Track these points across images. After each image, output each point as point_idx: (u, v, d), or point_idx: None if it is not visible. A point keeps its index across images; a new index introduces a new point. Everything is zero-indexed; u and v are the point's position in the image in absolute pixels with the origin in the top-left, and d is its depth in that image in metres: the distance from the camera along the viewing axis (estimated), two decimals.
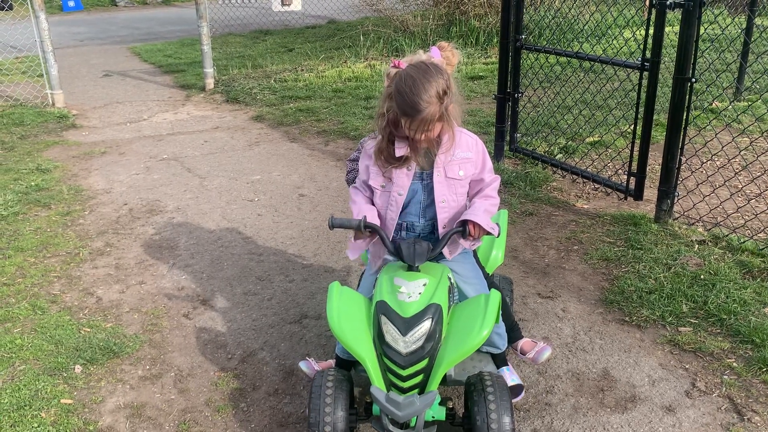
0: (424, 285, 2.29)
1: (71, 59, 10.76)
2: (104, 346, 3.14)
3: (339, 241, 4.18)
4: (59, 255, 4.10)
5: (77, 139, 6.55)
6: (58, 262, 4.00)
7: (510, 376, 2.72)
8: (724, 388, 2.79)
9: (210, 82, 8.48)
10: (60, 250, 4.16)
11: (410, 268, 2.35)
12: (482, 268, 2.75)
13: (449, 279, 2.43)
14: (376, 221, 2.44)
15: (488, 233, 2.36)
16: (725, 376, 2.85)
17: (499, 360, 2.74)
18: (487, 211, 2.41)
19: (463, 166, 2.44)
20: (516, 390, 2.70)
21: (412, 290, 2.27)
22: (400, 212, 2.47)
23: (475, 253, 2.79)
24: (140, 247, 4.21)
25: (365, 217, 2.38)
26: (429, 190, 2.45)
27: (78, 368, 3.00)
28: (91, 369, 3.01)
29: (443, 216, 2.47)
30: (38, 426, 2.64)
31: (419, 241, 2.35)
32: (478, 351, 2.65)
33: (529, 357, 2.86)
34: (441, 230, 2.47)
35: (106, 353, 3.10)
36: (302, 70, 9.11)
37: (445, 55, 2.60)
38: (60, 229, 4.45)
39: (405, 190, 2.43)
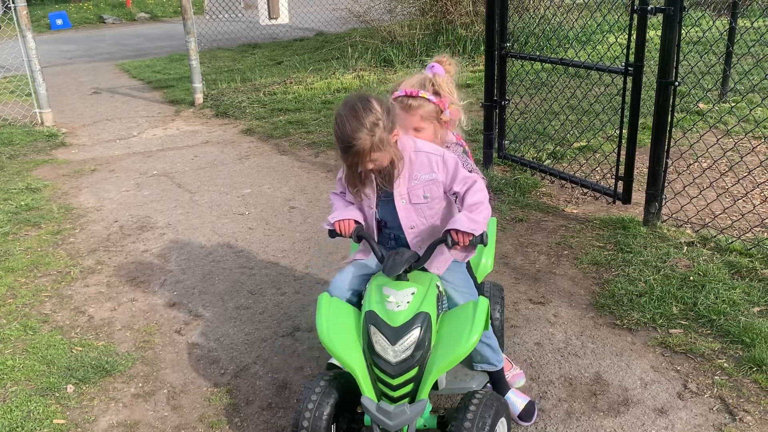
0: (413, 294, 2.30)
1: (60, 77, 10.76)
2: (96, 365, 3.14)
3: (330, 252, 4.19)
4: (50, 274, 4.09)
5: (67, 158, 6.54)
6: (49, 282, 3.99)
7: (516, 400, 2.69)
8: (716, 389, 2.80)
9: (199, 97, 8.49)
10: (51, 269, 4.15)
11: (398, 277, 2.35)
12: (473, 276, 2.76)
13: (438, 287, 2.43)
14: (361, 220, 2.49)
15: (472, 235, 2.31)
16: (716, 377, 2.87)
17: (500, 385, 2.67)
18: (470, 219, 2.34)
19: (429, 188, 2.43)
20: (529, 411, 2.68)
21: (401, 299, 2.28)
22: (386, 225, 2.52)
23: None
24: (131, 264, 4.21)
25: (358, 227, 2.45)
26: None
27: (70, 388, 2.99)
28: (84, 388, 3.00)
29: (415, 240, 2.48)
30: None
31: (402, 251, 2.35)
32: (473, 368, 2.65)
33: None
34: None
35: (98, 372, 3.10)
36: (291, 82, 9.13)
37: (446, 69, 2.69)
38: (50, 248, 4.44)
39: (374, 203, 2.46)
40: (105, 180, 5.82)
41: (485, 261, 2.93)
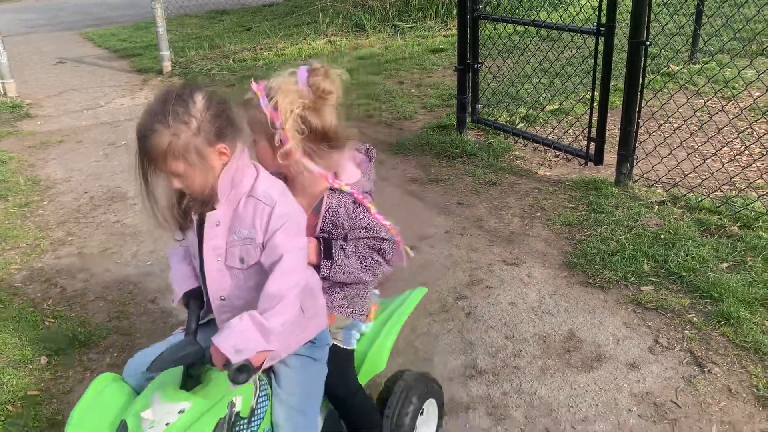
0: (181, 412, 1.62)
1: (21, 47, 10.43)
2: (70, 336, 3.10)
3: None
4: (19, 247, 4.01)
5: (32, 129, 6.38)
6: (18, 254, 3.92)
7: None
8: (686, 343, 2.87)
9: (167, 65, 8.31)
10: (20, 242, 4.08)
11: (185, 379, 1.69)
12: (349, 374, 2.02)
13: (231, 406, 1.69)
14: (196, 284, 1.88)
15: (228, 361, 1.57)
16: (686, 331, 2.94)
17: None
18: (258, 326, 1.61)
19: (245, 250, 1.73)
20: None
21: (161, 417, 1.60)
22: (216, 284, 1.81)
23: (348, 353, 2.03)
24: (103, 235, 4.15)
25: (188, 294, 1.86)
26: None
27: (44, 359, 2.96)
28: (58, 359, 2.97)
29: (225, 317, 1.76)
30: (5, 419, 2.61)
31: (183, 343, 1.67)
32: None
33: None
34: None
35: (72, 343, 3.06)
36: (261, 48, 8.98)
37: (313, 82, 1.76)
38: (19, 221, 4.35)
39: (196, 249, 1.81)
40: (73, 151, 5.70)
41: (375, 353, 2.07)
